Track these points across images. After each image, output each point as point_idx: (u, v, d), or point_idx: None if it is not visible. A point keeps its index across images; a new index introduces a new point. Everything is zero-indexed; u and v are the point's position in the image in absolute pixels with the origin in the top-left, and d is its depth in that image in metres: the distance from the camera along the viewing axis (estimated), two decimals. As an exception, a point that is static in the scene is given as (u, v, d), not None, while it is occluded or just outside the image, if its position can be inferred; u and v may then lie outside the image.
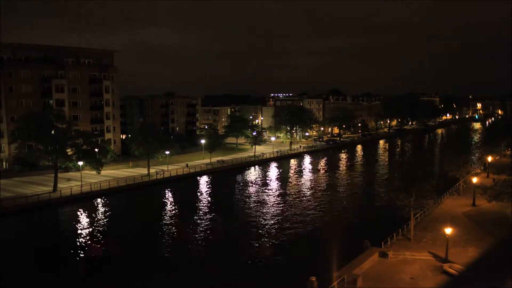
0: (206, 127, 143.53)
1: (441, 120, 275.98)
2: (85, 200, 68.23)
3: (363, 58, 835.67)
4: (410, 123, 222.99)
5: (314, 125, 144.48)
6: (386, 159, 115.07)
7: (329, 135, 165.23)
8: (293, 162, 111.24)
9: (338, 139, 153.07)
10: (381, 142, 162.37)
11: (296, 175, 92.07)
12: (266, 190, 75.56)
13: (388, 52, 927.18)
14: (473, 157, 76.81)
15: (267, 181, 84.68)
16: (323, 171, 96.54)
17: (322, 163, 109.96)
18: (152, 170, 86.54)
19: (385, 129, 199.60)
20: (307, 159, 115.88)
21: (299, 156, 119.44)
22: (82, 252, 46.48)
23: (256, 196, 71.55)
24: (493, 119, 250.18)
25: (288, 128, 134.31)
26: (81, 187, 72.14)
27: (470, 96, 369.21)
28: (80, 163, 72.24)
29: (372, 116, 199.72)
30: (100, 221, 57.85)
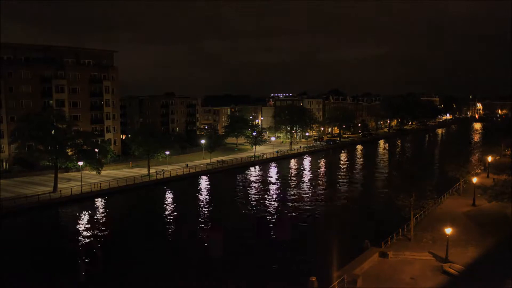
0: (206, 127, 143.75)
1: (441, 120, 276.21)
2: (85, 200, 68.23)
3: (363, 64, 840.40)
4: (410, 123, 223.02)
5: (314, 125, 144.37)
6: (386, 159, 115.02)
7: (329, 135, 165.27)
8: (293, 162, 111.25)
9: (338, 139, 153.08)
10: (381, 142, 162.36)
11: (296, 175, 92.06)
12: (266, 190, 75.55)
13: (388, 55, 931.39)
14: (472, 157, 76.86)
15: (267, 181, 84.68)
16: (323, 171, 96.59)
17: (322, 163, 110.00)
18: (152, 170, 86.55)
19: (385, 129, 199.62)
20: (307, 159, 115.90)
21: (299, 156, 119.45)
22: (82, 252, 46.47)
23: (256, 196, 71.55)
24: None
25: (288, 128, 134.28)
26: (81, 187, 72.14)
27: (470, 96, 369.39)
28: (80, 163, 72.23)
29: (372, 116, 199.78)
30: (101, 222, 57.83)
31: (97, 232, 52.83)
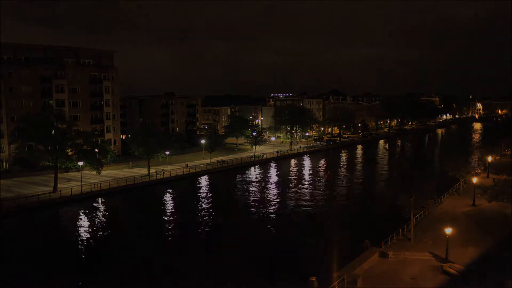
0: (206, 127, 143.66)
1: (441, 120, 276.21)
2: (85, 200, 68.19)
3: (363, 64, 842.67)
4: (410, 123, 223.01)
5: (314, 125, 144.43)
6: (386, 159, 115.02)
7: (329, 135, 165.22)
8: (293, 162, 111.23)
9: (338, 139, 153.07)
10: (381, 142, 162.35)
11: (296, 175, 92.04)
12: (266, 190, 75.56)
13: (387, 55, 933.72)
14: (472, 157, 76.91)
15: (267, 181, 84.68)
16: (323, 171, 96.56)
17: (322, 163, 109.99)
18: (152, 170, 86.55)
19: (385, 129, 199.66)
20: (307, 159, 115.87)
21: (299, 156, 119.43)
22: (82, 252, 46.49)
23: (256, 196, 71.54)
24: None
25: (288, 128, 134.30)
26: (81, 187, 72.13)
27: (470, 96, 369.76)
28: (80, 163, 72.24)
29: (372, 116, 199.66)
30: (101, 222, 57.86)
31: (97, 232, 52.85)
